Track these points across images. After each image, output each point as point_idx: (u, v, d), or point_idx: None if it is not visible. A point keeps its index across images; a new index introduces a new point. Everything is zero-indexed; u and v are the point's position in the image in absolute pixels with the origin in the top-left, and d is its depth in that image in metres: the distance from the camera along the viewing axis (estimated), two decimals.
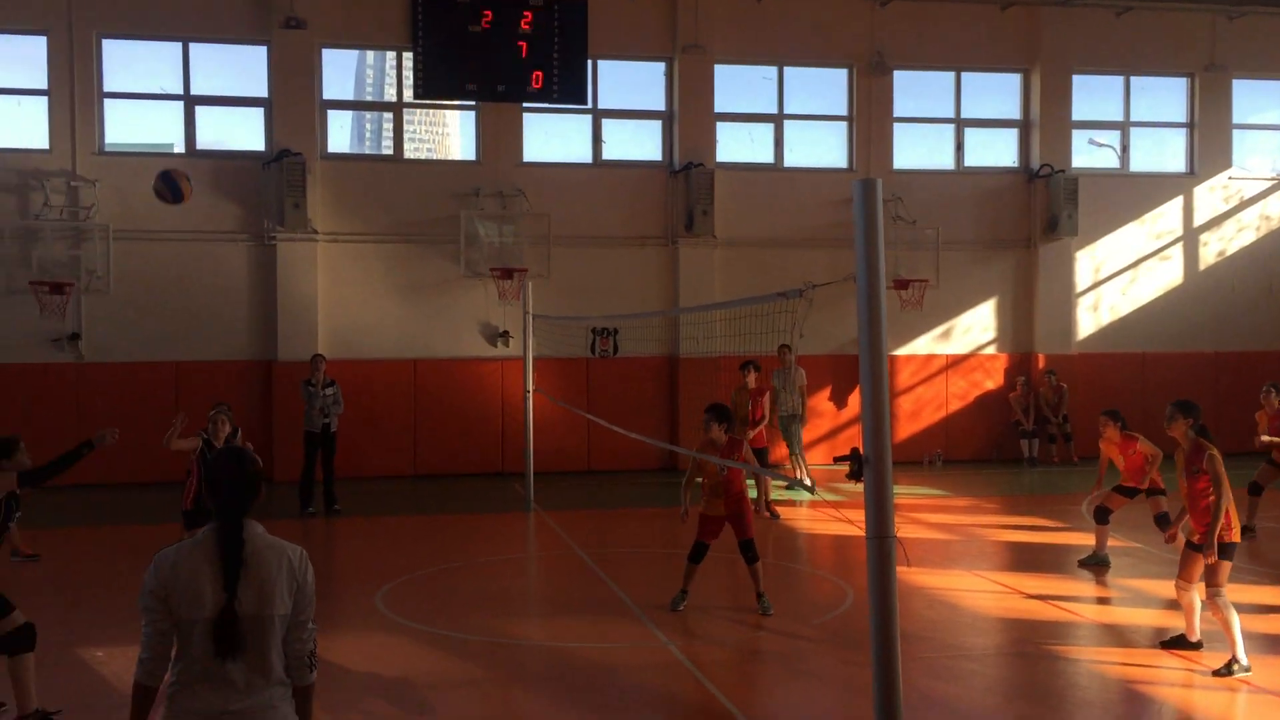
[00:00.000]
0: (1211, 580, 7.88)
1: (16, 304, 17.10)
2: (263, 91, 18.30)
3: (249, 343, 18.13)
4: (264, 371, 17.93)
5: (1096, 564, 11.38)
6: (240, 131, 18.62)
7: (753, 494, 14.30)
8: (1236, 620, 7.80)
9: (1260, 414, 13.40)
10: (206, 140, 18.28)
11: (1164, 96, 21.28)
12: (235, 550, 3.76)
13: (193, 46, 18.11)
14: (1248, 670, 7.76)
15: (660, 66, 19.60)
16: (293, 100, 18.03)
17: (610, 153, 19.47)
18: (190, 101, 18.14)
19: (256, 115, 18.40)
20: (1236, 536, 7.98)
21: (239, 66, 18.70)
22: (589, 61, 18.86)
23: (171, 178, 12.17)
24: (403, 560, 11.93)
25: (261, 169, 17.95)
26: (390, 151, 19.47)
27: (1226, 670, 7.78)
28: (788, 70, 19.92)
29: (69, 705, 7.33)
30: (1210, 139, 21.03)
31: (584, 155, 19.44)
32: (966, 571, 11.38)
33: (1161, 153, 21.31)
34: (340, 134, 20.92)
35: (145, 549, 12.83)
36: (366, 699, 7.56)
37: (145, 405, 17.40)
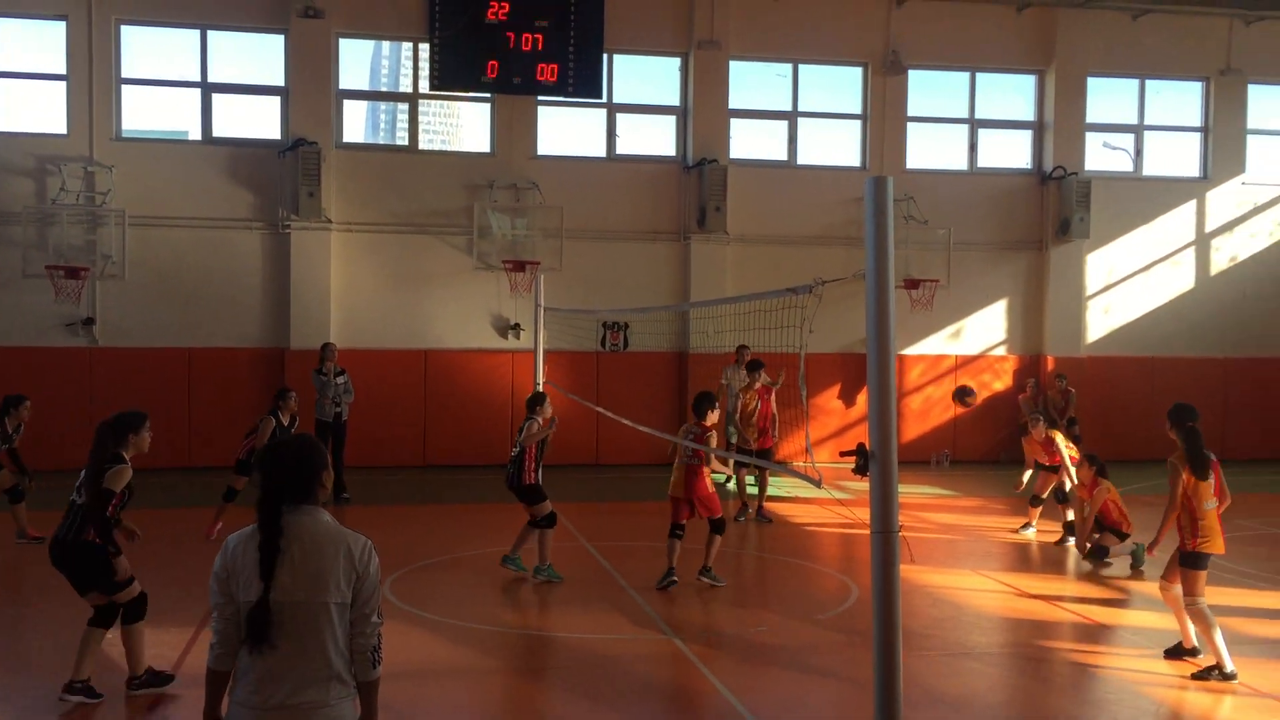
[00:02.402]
0: (1187, 590, 7.93)
1: (32, 288, 17.22)
2: (279, 80, 18.40)
3: (261, 330, 18.23)
4: (276, 359, 18.03)
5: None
6: (256, 120, 18.71)
7: (753, 492, 14.41)
8: (1217, 629, 7.80)
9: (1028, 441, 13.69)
10: (223, 128, 18.37)
11: (1178, 100, 21.24)
12: (271, 538, 3.68)
13: (211, 34, 18.20)
14: (1232, 678, 7.74)
15: (675, 62, 19.64)
16: (309, 89, 18.12)
17: (624, 147, 19.53)
18: (207, 89, 18.23)
19: (273, 104, 18.49)
20: (1212, 548, 7.91)
21: (256, 55, 18.82)
22: (604, 55, 18.91)
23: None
24: (411, 549, 12.01)
25: (277, 157, 18.04)
26: (405, 142, 19.53)
27: (1205, 675, 7.81)
28: (802, 67, 19.94)
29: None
30: (1224, 144, 20.99)
31: (598, 149, 19.49)
32: (971, 571, 11.42)
33: (1175, 157, 21.26)
34: (355, 124, 20.99)
35: (157, 533, 12.94)
36: None
37: (158, 390, 17.53)
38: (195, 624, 8.79)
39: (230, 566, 3.73)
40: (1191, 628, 8.16)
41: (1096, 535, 11.79)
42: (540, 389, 12.47)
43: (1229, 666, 7.76)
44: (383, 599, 9.65)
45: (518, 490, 10.68)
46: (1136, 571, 11.42)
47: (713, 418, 10.53)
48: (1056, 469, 13.19)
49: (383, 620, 3.91)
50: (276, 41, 18.38)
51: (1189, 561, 7.93)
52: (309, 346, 17.31)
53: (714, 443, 10.62)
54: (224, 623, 3.74)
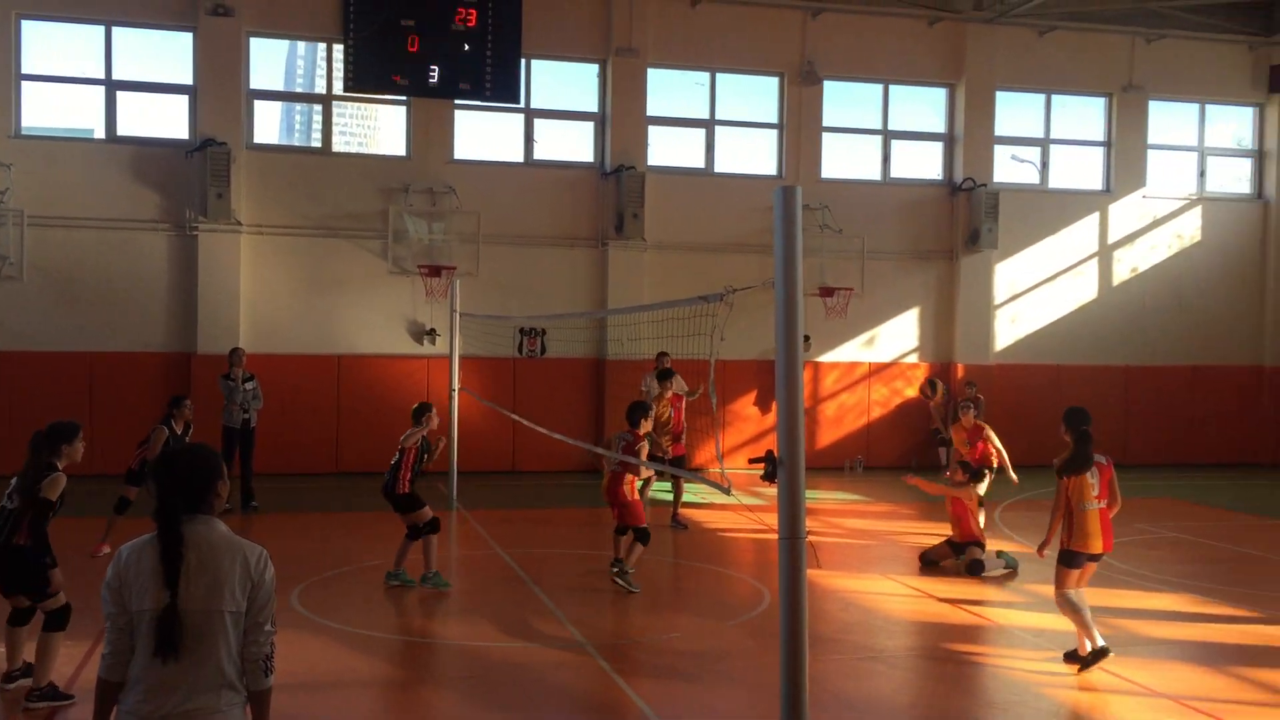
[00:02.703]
0: (1056, 583, 8.31)
1: None
2: (188, 79, 17.99)
3: (168, 335, 17.80)
4: (182, 364, 17.61)
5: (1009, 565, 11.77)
6: (164, 119, 18.27)
7: (668, 498, 14.37)
8: (1086, 611, 8.18)
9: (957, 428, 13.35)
10: (128, 126, 17.90)
11: (1083, 115, 21.82)
12: (171, 546, 3.71)
13: (115, 30, 17.74)
14: (1105, 652, 8.08)
15: (594, 68, 19.64)
16: (218, 88, 17.75)
17: (542, 153, 19.46)
18: (112, 86, 17.76)
19: (181, 102, 18.08)
20: (1091, 547, 8.21)
21: (163, 52, 18.38)
22: (522, 60, 18.83)
23: None
24: (321, 558, 11.80)
25: (184, 158, 17.64)
26: (319, 144, 19.22)
27: (1089, 662, 8.13)
28: (720, 76, 20.07)
29: None
30: (1126, 158, 21.62)
31: (516, 154, 19.39)
32: (881, 575, 11.57)
33: (1079, 170, 21.84)
34: (269, 125, 20.64)
35: (55, 542, 12.53)
36: (279, 697, 7.46)
37: (58, 396, 16.99)
38: (93, 637, 8.51)
39: (123, 576, 3.75)
40: (1090, 640, 8.36)
41: (962, 556, 11.91)
42: (434, 399, 12.27)
43: (1099, 641, 8.12)
44: (290, 609, 9.50)
45: (392, 498, 10.57)
46: (1011, 572, 11.61)
47: (645, 426, 10.73)
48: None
49: (276, 629, 3.92)
50: (185, 39, 17.97)
51: (1063, 559, 8.26)
52: (217, 351, 16.92)
53: (644, 453, 10.66)
54: (116, 632, 3.75)
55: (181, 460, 3.89)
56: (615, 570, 10.53)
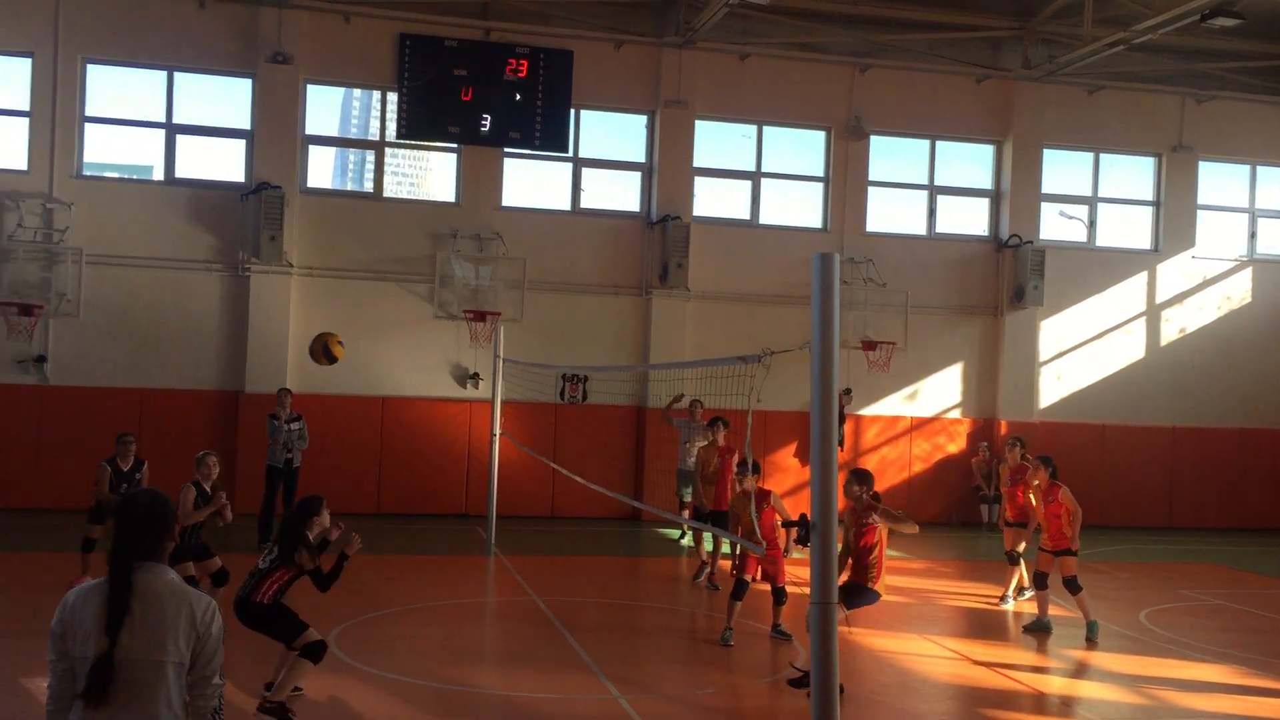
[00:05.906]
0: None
1: None
2: (245, 123, 18.43)
3: (217, 373, 18.12)
4: (230, 402, 17.90)
5: (1040, 629, 11.59)
6: (220, 162, 18.71)
7: (708, 549, 14.19)
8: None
9: (1004, 468, 13.66)
10: (186, 168, 18.36)
11: (1132, 174, 21.73)
12: (119, 593, 3.73)
13: (177, 75, 18.24)
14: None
15: (642, 119, 19.88)
16: (274, 134, 18.17)
17: (589, 201, 19.69)
18: (172, 130, 18.25)
19: (238, 146, 18.52)
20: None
21: (222, 97, 18.86)
22: (572, 110, 19.11)
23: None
24: (358, 600, 11.88)
25: (240, 200, 18.04)
26: (370, 189, 19.58)
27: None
28: (767, 129, 20.23)
29: None
30: (1175, 218, 21.48)
31: (563, 202, 19.64)
32: (919, 635, 11.47)
33: (1128, 229, 21.71)
34: (323, 169, 21.07)
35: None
36: None
37: (109, 431, 17.23)
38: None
39: (68, 623, 3.77)
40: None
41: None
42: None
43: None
44: (330, 652, 9.56)
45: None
46: (1090, 644, 11.42)
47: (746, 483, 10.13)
48: (1024, 525, 12.91)
49: (225, 682, 3.95)
50: (244, 85, 18.44)
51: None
52: (266, 390, 17.19)
53: (766, 504, 10.47)
54: (57, 679, 3.78)
55: (138, 507, 3.92)
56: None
